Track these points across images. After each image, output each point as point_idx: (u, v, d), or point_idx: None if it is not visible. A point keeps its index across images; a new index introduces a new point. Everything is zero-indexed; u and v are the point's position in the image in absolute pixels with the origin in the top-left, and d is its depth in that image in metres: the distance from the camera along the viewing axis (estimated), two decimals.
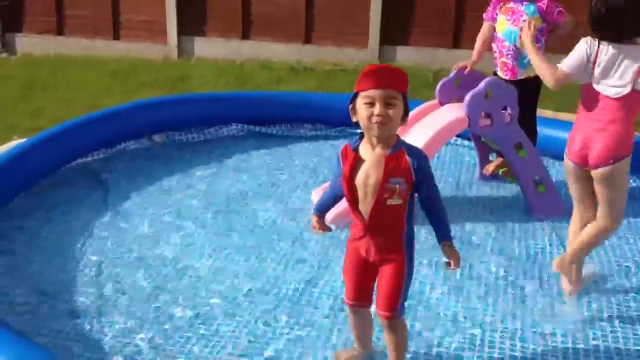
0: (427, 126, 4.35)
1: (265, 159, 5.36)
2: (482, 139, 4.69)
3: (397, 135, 2.57)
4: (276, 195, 4.62)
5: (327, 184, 4.47)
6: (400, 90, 2.49)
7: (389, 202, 2.53)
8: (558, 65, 3.15)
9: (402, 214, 2.58)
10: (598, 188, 3.19)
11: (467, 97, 4.18)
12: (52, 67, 9.00)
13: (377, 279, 2.67)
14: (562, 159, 5.12)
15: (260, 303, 3.30)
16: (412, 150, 2.57)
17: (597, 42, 3.07)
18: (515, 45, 4.36)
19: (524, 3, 4.35)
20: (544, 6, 4.31)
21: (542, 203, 4.33)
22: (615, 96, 3.04)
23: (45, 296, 3.34)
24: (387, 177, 2.52)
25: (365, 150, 2.56)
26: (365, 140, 2.57)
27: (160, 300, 3.32)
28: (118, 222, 4.16)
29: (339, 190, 2.64)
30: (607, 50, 3.04)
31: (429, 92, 4.63)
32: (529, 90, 4.34)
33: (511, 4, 4.41)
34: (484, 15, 4.62)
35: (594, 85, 3.09)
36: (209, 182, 4.83)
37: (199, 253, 3.79)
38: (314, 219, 2.83)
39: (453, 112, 4.34)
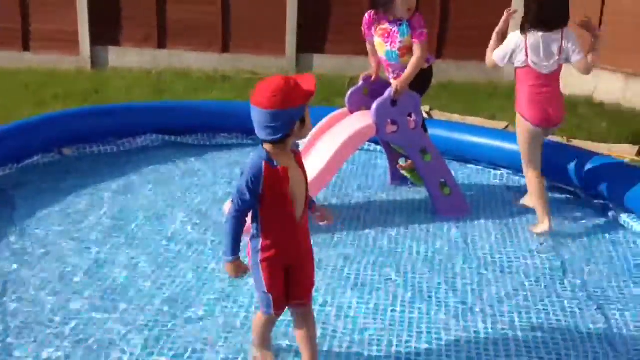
0: (338, 134, 4.50)
1: (181, 169, 5.37)
2: (391, 145, 4.88)
3: None
4: (192, 205, 4.64)
5: None
6: None
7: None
8: (492, 56, 4.33)
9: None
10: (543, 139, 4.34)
11: (374, 106, 4.35)
12: None
13: (295, 277, 2.70)
14: (465, 161, 5.47)
15: (171, 316, 3.31)
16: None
17: (524, 35, 4.12)
18: (398, 64, 4.48)
19: (398, 23, 4.41)
20: (415, 23, 4.36)
21: (448, 204, 4.55)
22: (549, 72, 4.14)
23: None
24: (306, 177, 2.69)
25: (282, 160, 2.55)
26: (279, 151, 2.55)
27: (67, 319, 3.26)
28: (25, 240, 4.04)
29: (244, 216, 2.58)
30: (533, 39, 4.09)
31: (343, 100, 4.79)
32: (417, 82, 4.45)
33: (386, 25, 4.47)
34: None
35: (532, 67, 4.15)
36: (124, 194, 4.79)
37: (110, 266, 3.77)
38: (234, 266, 2.65)
39: (362, 120, 4.51)
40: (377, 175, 5.32)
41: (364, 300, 3.47)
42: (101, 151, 5.62)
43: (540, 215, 4.26)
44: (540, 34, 4.09)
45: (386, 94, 4.37)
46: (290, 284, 2.71)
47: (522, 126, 4.27)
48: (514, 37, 4.19)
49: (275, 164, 2.52)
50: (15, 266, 3.73)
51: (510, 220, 4.51)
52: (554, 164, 4.71)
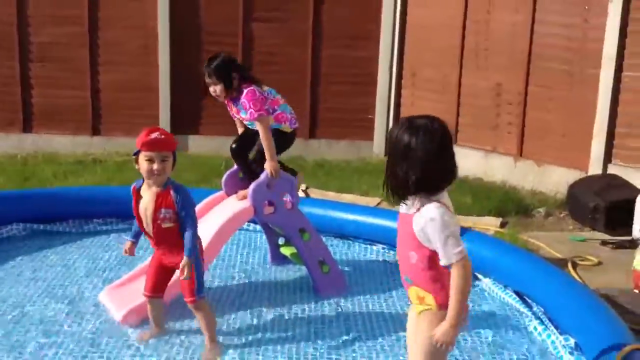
0: (217, 216, 4.53)
1: (52, 258, 5.13)
2: (270, 225, 4.96)
3: (169, 177, 3.52)
4: (64, 295, 4.44)
5: (120, 281, 4.43)
6: (171, 150, 3.50)
7: (164, 225, 3.53)
8: (457, 260, 2.55)
9: (177, 234, 3.53)
10: None
11: (251, 188, 4.45)
12: None
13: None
14: (342, 237, 5.65)
15: None
16: (177, 189, 3.53)
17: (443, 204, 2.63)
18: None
19: (234, 102, 4.59)
20: (243, 105, 4.47)
21: (327, 282, 4.66)
22: None
23: None
24: (158, 208, 3.51)
25: (145, 189, 3.57)
26: (145, 182, 3.55)
27: None
28: None
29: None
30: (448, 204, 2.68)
31: (220, 180, 4.85)
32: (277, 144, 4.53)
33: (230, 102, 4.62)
34: None
35: None
36: (9, 285, 4.52)
37: None
38: (128, 244, 3.75)
39: (239, 203, 4.58)
40: (258, 255, 5.36)
41: None
42: None
43: None
44: None
45: (262, 176, 4.48)
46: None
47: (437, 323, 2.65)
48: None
49: (138, 187, 3.60)
50: None
51: (387, 294, 4.67)
52: None
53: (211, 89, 4.51)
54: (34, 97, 9.74)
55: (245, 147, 4.74)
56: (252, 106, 4.41)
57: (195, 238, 3.55)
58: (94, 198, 6.01)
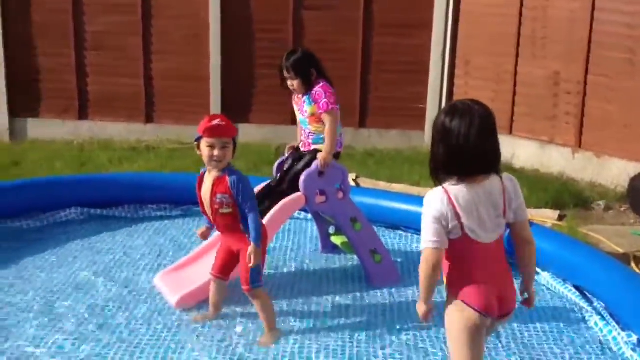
0: None
1: (108, 242, 5.23)
2: (321, 214, 4.94)
3: (229, 163, 3.60)
4: (120, 279, 4.51)
5: (175, 265, 4.48)
6: (231, 136, 3.57)
7: (221, 211, 3.60)
8: (422, 248, 2.64)
9: (235, 219, 3.61)
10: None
11: (302, 177, 4.42)
12: None
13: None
14: (394, 228, 5.59)
15: None
16: (234, 175, 3.56)
17: (445, 194, 2.60)
18: (309, 129, 4.58)
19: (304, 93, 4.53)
20: (316, 95, 4.44)
21: (379, 272, 4.61)
22: (495, 239, 2.70)
23: None
24: (215, 192, 3.59)
25: (207, 175, 3.68)
26: (207, 167, 3.64)
27: None
28: None
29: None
30: (462, 195, 2.60)
31: (271, 169, 4.85)
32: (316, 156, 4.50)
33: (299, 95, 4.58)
34: None
35: (471, 236, 2.63)
36: (47, 271, 4.61)
37: (37, 343, 3.59)
38: (203, 228, 3.84)
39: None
40: (309, 244, 5.35)
41: None
42: (24, 226, 5.42)
43: None
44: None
45: (313, 165, 4.45)
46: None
47: (460, 315, 2.70)
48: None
49: (203, 172, 3.71)
50: None
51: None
52: None
53: (289, 83, 4.52)
54: (90, 84, 9.94)
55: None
56: (327, 97, 4.41)
57: (259, 224, 3.60)
58: (148, 184, 6.08)
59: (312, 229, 5.52)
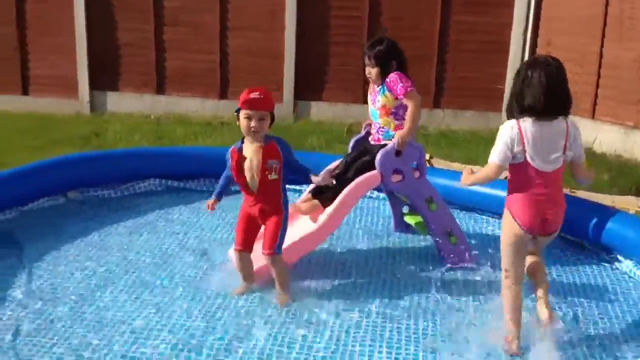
0: None
1: (184, 214, 5.35)
2: (395, 194, 4.89)
3: (267, 134, 3.72)
4: (197, 250, 4.61)
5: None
6: (268, 110, 3.69)
7: (270, 177, 3.73)
8: (489, 162, 3.32)
9: (278, 186, 3.78)
10: (539, 246, 3.61)
11: (378, 156, 4.37)
12: None
13: (263, 230, 3.86)
14: (470, 210, 5.49)
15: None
16: (279, 140, 3.76)
17: (517, 124, 3.25)
18: (379, 123, 4.52)
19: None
20: (390, 82, 4.37)
21: (454, 254, 4.53)
22: (552, 171, 3.28)
23: None
24: (266, 160, 3.71)
25: (247, 147, 3.77)
26: (246, 140, 3.76)
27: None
28: (35, 282, 4.03)
29: (230, 179, 3.90)
30: (530, 129, 3.23)
31: (344, 146, 4.81)
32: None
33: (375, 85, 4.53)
34: None
35: (531, 163, 3.26)
36: (127, 239, 4.77)
37: (121, 313, 3.72)
38: (212, 201, 3.97)
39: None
40: (382, 223, 5.32)
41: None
42: (105, 195, 5.62)
43: (509, 331, 3.43)
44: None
45: (390, 143, 4.40)
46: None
47: (510, 227, 3.41)
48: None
49: (237, 148, 3.79)
50: (28, 305, 3.73)
51: None
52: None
53: (367, 70, 4.48)
54: (167, 60, 10.14)
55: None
56: (404, 82, 4.34)
57: (309, 172, 3.81)
58: (224, 158, 6.14)
59: (385, 208, 5.48)
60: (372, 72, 4.45)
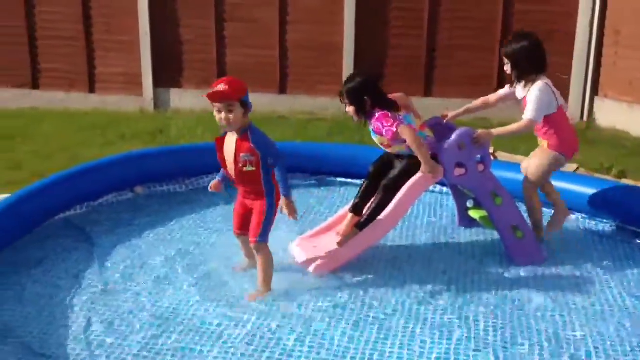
0: None
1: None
2: (459, 188, 4.82)
3: (249, 123, 3.71)
4: None
5: (309, 233, 4.54)
6: (231, 100, 3.60)
7: (245, 169, 3.73)
8: (529, 118, 4.34)
9: (258, 177, 3.75)
10: None
11: (443, 148, 4.31)
12: (28, 120, 9.01)
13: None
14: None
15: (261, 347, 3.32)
16: (255, 133, 3.70)
17: (547, 81, 4.35)
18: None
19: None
20: (376, 130, 4.27)
21: (521, 249, 4.44)
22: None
23: (34, 355, 3.30)
24: (238, 153, 3.72)
25: (228, 136, 3.82)
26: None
27: (153, 353, 3.31)
28: (107, 276, 4.15)
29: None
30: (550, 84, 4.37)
31: None
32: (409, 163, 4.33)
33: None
34: None
35: (563, 107, 4.51)
36: (195, 233, 4.86)
37: (191, 304, 3.80)
38: (215, 182, 4.02)
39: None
40: (445, 217, 5.26)
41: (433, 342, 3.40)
42: (170, 190, 5.74)
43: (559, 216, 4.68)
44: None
45: (453, 137, 4.33)
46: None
47: (554, 160, 4.49)
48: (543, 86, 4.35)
49: (222, 135, 3.86)
50: (100, 299, 3.85)
51: (590, 265, 4.39)
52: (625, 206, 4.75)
53: (346, 108, 4.36)
54: (227, 56, 10.27)
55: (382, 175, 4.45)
56: (385, 124, 4.17)
57: (286, 176, 3.73)
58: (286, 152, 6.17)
59: (449, 202, 5.42)
60: (349, 110, 4.33)
